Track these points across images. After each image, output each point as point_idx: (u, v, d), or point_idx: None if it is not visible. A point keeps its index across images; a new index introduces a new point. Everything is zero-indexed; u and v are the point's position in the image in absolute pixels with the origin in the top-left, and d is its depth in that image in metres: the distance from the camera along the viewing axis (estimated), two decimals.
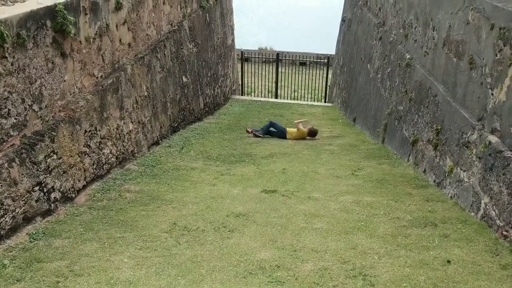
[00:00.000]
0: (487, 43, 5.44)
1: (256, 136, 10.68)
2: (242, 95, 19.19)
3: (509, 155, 4.70)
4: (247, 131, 10.94)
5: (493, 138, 5.08)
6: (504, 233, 4.59)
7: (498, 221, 4.74)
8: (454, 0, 6.59)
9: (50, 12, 5.41)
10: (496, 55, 5.18)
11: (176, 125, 10.02)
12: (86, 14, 6.23)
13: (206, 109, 12.97)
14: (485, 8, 5.58)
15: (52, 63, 5.51)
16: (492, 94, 5.23)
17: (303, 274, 4.10)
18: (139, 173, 7.04)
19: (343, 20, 18.11)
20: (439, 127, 6.62)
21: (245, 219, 5.34)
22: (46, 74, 5.38)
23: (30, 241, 4.66)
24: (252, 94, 19.85)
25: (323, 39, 20.35)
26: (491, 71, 5.29)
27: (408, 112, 8.18)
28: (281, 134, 10.85)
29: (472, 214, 5.30)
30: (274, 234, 4.93)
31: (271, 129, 10.97)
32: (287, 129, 10.97)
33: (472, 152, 5.50)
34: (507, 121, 4.85)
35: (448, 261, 4.28)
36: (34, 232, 4.83)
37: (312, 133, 10.86)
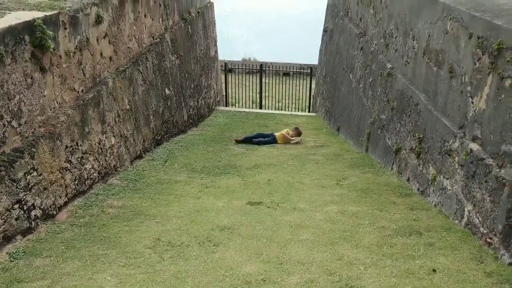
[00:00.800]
0: (466, 52, 5.51)
1: (239, 142, 11.29)
2: (226, 106, 19.20)
3: (491, 162, 4.75)
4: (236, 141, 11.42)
5: (475, 146, 5.13)
6: (488, 240, 4.62)
7: (481, 229, 4.77)
8: (432, 10, 6.68)
9: (29, 27, 5.35)
10: (475, 64, 5.25)
11: (159, 138, 9.95)
12: (65, 28, 6.17)
13: (190, 121, 12.92)
14: (463, 18, 5.66)
15: (31, 78, 5.43)
16: (472, 102, 5.29)
17: (289, 287, 4.06)
18: (122, 188, 6.95)
19: (324, 30, 18.26)
20: (421, 136, 6.67)
21: (230, 232, 5.29)
22: (25, 89, 5.30)
23: (10, 261, 4.55)
24: (237, 105, 19.86)
25: (315, 46, 20.48)
26: (470, 79, 5.36)
27: (390, 121, 8.24)
28: (272, 141, 11.48)
29: (456, 221, 5.32)
30: (260, 247, 4.88)
31: (260, 138, 11.53)
32: (276, 134, 11.72)
33: (454, 160, 5.54)
34: (487, 129, 4.90)
35: (434, 270, 4.28)
36: (14, 251, 4.72)
37: (298, 132, 11.78)
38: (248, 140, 11.34)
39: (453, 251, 4.64)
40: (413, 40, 7.45)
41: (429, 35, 6.76)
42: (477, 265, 4.34)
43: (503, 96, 4.62)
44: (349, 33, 13.07)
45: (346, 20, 13.76)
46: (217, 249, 4.85)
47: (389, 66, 8.68)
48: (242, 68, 20.68)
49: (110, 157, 7.32)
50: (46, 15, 5.72)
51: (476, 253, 4.55)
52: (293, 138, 11.63)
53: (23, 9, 5.80)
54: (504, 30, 4.67)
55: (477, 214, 4.89)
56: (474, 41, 5.30)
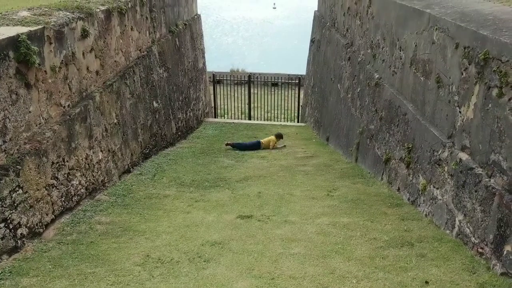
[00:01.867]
0: (453, 62, 5.54)
1: (229, 145, 12.14)
2: (215, 117, 19.16)
3: (480, 172, 4.75)
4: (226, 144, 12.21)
5: (464, 155, 5.14)
6: (480, 250, 4.60)
7: (473, 238, 4.75)
8: (418, 21, 6.73)
9: (13, 42, 5.28)
10: (462, 74, 5.27)
11: (147, 151, 9.86)
12: (51, 43, 6.10)
13: (179, 133, 12.85)
14: (449, 28, 5.70)
15: (16, 94, 5.35)
16: (460, 111, 5.30)
17: None
18: (110, 204, 6.84)
19: (312, 41, 18.37)
20: (410, 145, 6.68)
21: (220, 248, 5.21)
22: (9, 106, 5.21)
23: None
24: (226, 116, 19.82)
25: (302, 56, 20.64)
26: (458, 89, 5.38)
27: (379, 131, 8.25)
28: (256, 147, 12.24)
29: (447, 231, 5.31)
30: (251, 262, 4.82)
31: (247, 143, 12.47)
32: (261, 140, 12.56)
33: (444, 170, 5.54)
34: (476, 138, 4.91)
35: (426, 282, 4.24)
36: (0, 272, 4.60)
37: (279, 136, 12.67)
38: (237, 145, 12.18)
39: (445, 262, 4.62)
40: (400, 50, 7.49)
41: (415, 45, 6.80)
42: (469, 275, 4.32)
43: (490, 105, 4.64)
44: (336, 43, 13.14)
45: (333, 31, 13.84)
46: (207, 265, 4.77)
47: (377, 76, 8.71)
48: (230, 79, 20.68)
49: (97, 173, 7.23)
50: (30, 30, 5.66)
51: (468, 264, 4.53)
52: (277, 143, 12.55)
53: (7, 25, 5.72)
54: (490, 40, 4.70)
55: (468, 224, 4.88)
56: (460, 51, 5.33)
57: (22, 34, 5.42)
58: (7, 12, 6.33)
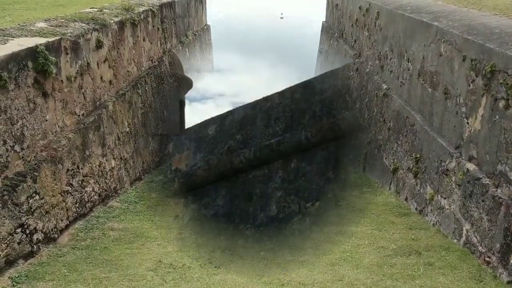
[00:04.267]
0: (460, 74, 5.64)
1: None
2: None
3: (487, 182, 4.83)
4: None
5: (471, 166, 5.22)
6: (487, 259, 4.67)
7: (480, 248, 4.83)
8: (426, 33, 6.84)
9: (32, 53, 5.44)
10: (469, 86, 5.37)
11: (158, 159, 10.01)
12: (67, 53, 6.27)
13: None
14: (456, 41, 5.81)
15: (34, 103, 5.50)
16: (467, 123, 5.40)
17: None
18: (123, 210, 6.97)
19: (320, 51, 18.53)
20: (418, 156, 6.76)
21: (231, 254, 5.32)
22: (27, 114, 5.37)
23: (13, 285, 4.56)
24: None
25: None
26: (465, 100, 5.48)
27: (387, 141, 8.34)
28: None
29: (455, 241, 5.38)
30: (261, 269, 4.91)
31: None
32: None
33: (452, 180, 5.62)
34: (483, 149, 5.00)
35: None
36: (16, 276, 4.72)
37: None
38: None
39: (453, 271, 4.69)
40: (408, 62, 7.60)
41: (423, 57, 6.91)
42: (476, 284, 4.39)
43: (497, 117, 4.73)
44: (344, 54, 13.28)
45: (341, 42, 13.99)
46: (218, 271, 4.87)
47: (385, 87, 8.82)
48: None
49: (110, 180, 7.37)
50: (48, 41, 5.82)
51: (475, 272, 4.60)
52: None
53: (26, 36, 5.89)
54: (496, 53, 4.81)
55: (475, 233, 4.95)
56: (467, 64, 5.43)
57: (40, 45, 5.58)
58: (25, 23, 6.51)
